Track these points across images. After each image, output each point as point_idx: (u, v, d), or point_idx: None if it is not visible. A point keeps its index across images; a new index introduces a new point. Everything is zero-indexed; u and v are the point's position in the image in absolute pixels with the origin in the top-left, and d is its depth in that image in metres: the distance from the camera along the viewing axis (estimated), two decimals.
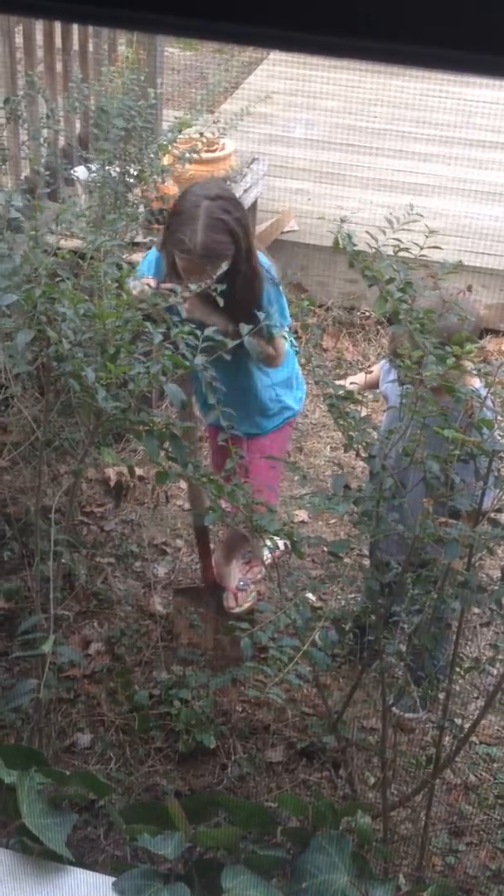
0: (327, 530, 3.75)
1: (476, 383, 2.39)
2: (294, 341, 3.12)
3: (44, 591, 2.42)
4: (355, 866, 1.90)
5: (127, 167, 3.64)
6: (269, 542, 2.29)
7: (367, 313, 4.94)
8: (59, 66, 4.48)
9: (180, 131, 3.65)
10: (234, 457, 2.23)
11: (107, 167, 3.55)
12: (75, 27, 4.52)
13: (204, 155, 4.15)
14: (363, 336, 4.92)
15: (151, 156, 3.63)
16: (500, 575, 2.26)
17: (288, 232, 5.22)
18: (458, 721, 2.53)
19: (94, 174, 3.63)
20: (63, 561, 2.50)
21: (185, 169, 3.90)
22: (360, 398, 2.20)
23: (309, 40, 0.39)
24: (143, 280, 2.67)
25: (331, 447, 4.21)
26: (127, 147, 3.66)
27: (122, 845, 2.52)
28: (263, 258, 2.81)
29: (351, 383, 2.66)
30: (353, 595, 3.01)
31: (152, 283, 2.67)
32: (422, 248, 2.08)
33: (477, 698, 3.00)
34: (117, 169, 3.61)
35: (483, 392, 2.11)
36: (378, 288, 2.07)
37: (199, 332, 2.20)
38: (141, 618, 3.31)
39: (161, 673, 3.02)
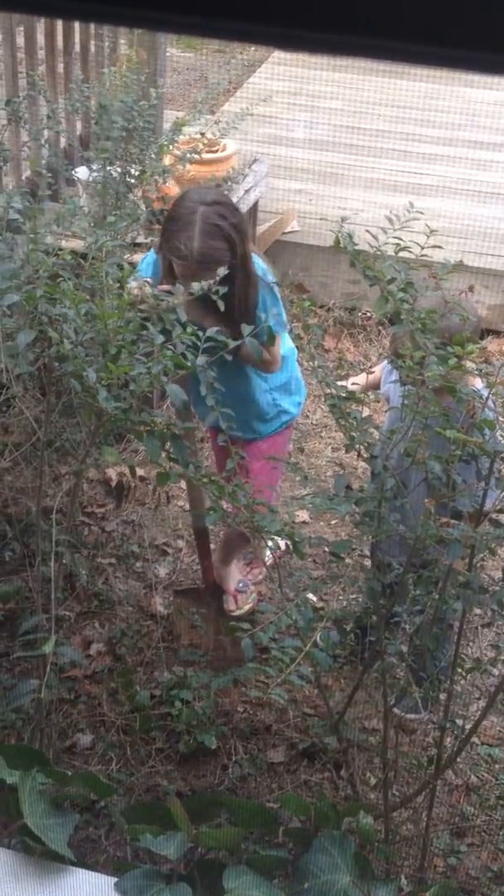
0: (329, 531, 3.75)
1: (478, 384, 2.39)
2: (293, 346, 3.11)
3: (45, 592, 2.42)
4: (357, 867, 1.90)
5: (128, 167, 3.64)
6: (270, 543, 2.29)
7: (369, 314, 4.94)
8: (60, 67, 4.49)
9: (181, 132, 3.65)
10: (235, 457, 2.23)
11: (108, 167, 3.55)
12: (77, 28, 4.52)
13: (205, 155, 4.15)
14: (364, 337, 4.92)
15: (152, 156, 3.63)
16: (501, 575, 2.26)
17: (289, 233, 5.22)
18: (460, 722, 2.53)
19: (95, 174, 3.63)
20: (64, 561, 2.50)
21: (187, 169, 3.90)
22: (362, 399, 2.20)
23: (309, 38, 0.39)
24: (141, 281, 2.66)
25: (332, 447, 4.21)
26: (128, 147, 3.66)
27: (123, 846, 2.52)
28: (260, 263, 2.80)
29: (352, 384, 2.66)
30: (354, 596, 3.01)
31: (150, 284, 2.66)
32: (423, 248, 2.08)
33: (478, 699, 3.00)
34: (118, 169, 3.61)
35: (485, 393, 2.11)
36: (380, 288, 2.07)
37: (200, 333, 2.20)
38: (142, 618, 3.31)
39: (162, 673, 3.02)
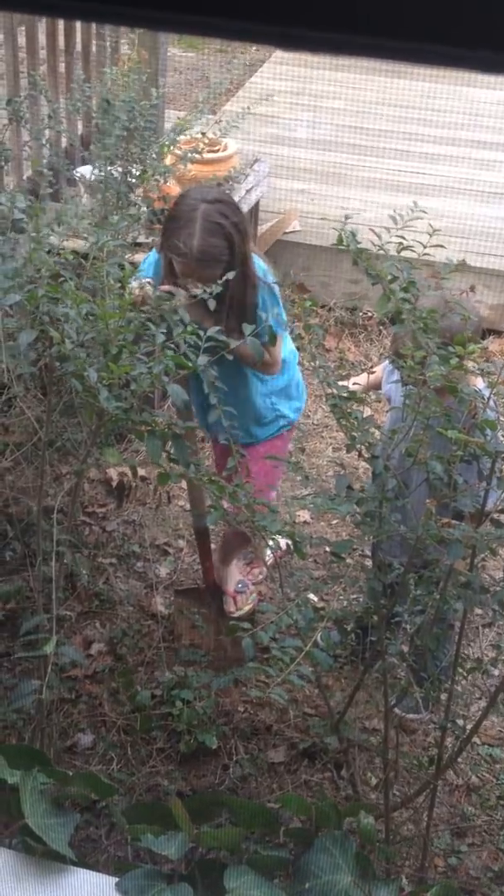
0: (329, 531, 3.75)
1: (479, 384, 2.39)
2: (295, 349, 3.10)
3: (46, 592, 2.42)
4: (359, 867, 1.90)
5: (129, 167, 3.64)
6: (271, 543, 2.29)
7: (370, 314, 4.94)
8: (61, 67, 4.49)
9: (183, 131, 3.65)
10: (236, 456, 2.23)
11: (109, 167, 3.55)
12: (78, 27, 4.52)
13: (206, 155, 4.15)
14: (365, 336, 4.92)
15: (154, 156, 3.63)
16: (502, 576, 2.26)
17: (291, 232, 5.22)
18: (461, 722, 2.53)
19: (96, 174, 3.63)
20: (65, 561, 2.50)
21: (188, 169, 3.90)
22: (363, 399, 2.20)
23: (309, 37, 0.39)
24: (142, 281, 2.66)
25: (333, 447, 4.21)
26: (129, 147, 3.66)
27: (124, 845, 2.52)
28: (260, 263, 2.80)
29: (353, 384, 2.66)
30: (355, 596, 3.01)
31: (151, 284, 2.66)
32: (425, 247, 2.07)
33: (479, 699, 3.00)
34: (119, 169, 3.61)
35: (486, 393, 2.11)
36: (382, 286, 2.07)
37: (200, 333, 2.20)
38: (143, 618, 3.31)
39: (163, 673, 3.02)
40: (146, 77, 3.88)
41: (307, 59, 6.43)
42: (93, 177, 3.73)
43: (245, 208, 4.42)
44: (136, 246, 3.61)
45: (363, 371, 3.34)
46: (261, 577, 3.45)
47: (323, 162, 5.89)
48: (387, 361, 3.01)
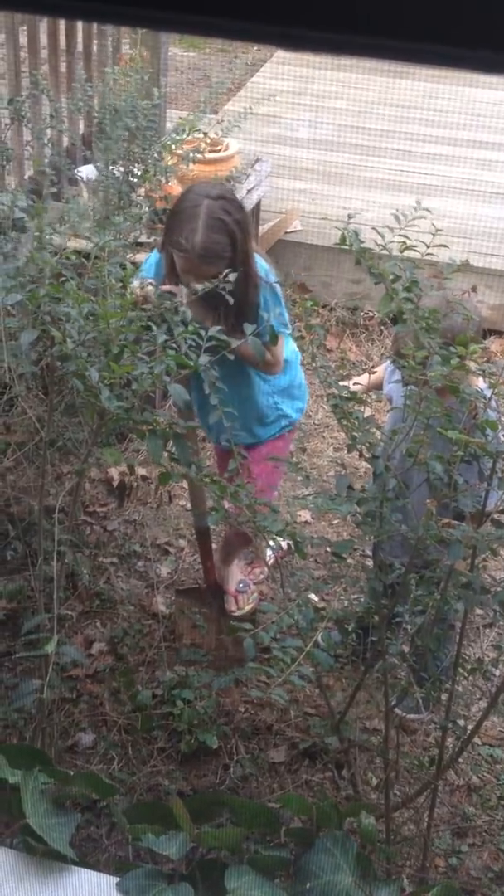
0: (330, 531, 3.75)
1: (480, 384, 2.39)
2: (297, 349, 3.10)
3: (47, 591, 2.42)
4: (359, 867, 1.90)
5: (131, 167, 3.64)
6: (272, 543, 2.29)
7: (371, 314, 4.94)
8: (63, 67, 4.49)
9: (184, 131, 3.65)
10: (237, 457, 2.23)
11: (111, 167, 3.55)
12: (80, 27, 4.53)
13: (208, 155, 4.16)
14: (366, 336, 4.92)
15: (155, 156, 3.63)
16: (503, 576, 2.26)
17: (292, 232, 5.22)
18: (461, 722, 2.53)
19: (98, 174, 3.64)
20: (66, 561, 2.50)
21: (189, 169, 3.90)
22: (364, 399, 2.20)
23: (309, 37, 0.39)
24: (143, 281, 2.66)
25: (334, 447, 4.21)
26: (131, 147, 3.66)
27: (124, 845, 2.52)
28: (262, 263, 2.79)
29: (354, 384, 2.66)
30: (356, 596, 3.00)
31: (152, 284, 2.66)
32: (428, 247, 2.07)
33: (480, 699, 3.00)
34: (121, 169, 3.61)
35: (487, 393, 2.11)
36: (385, 286, 2.07)
37: (202, 332, 2.20)
38: (144, 618, 3.31)
39: (164, 673, 3.02)
40: (148, 77, 3.88)
41: (309, 58, 6.44)
42: (94, 176, 3.73)
43: (246, 208, 4.42)
44: (138, 246, 3.61)
45: (364, 371, 3.34)
46: (262, 576, 3.45)
47: (324, 162, 5.89)
48: (388, 362, 3.01)
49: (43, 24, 4.43)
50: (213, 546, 3.25)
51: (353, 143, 6.24)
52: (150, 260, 2.92)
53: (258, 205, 4.97)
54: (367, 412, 2.20)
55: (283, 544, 2.61)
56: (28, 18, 4.24)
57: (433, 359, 2.03)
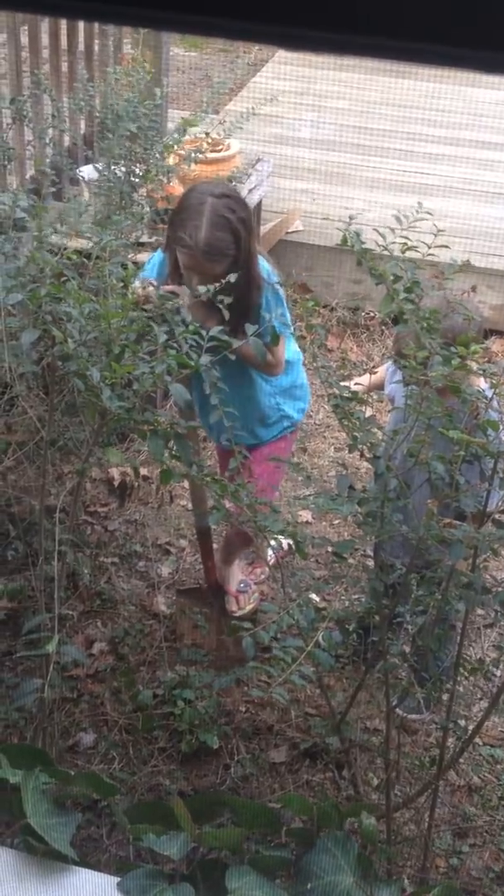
0: (331, 531, 3.75)
1: (482, 384, 2.39)
2: (299, 350, 3.09)
3: (48, 591, 2.42)
4: (360, 867, 1.90)
5: (132, 167, 3.64)
6: (273, 543, 2.29)
7: (372, 314, 4.94)
8: (64, 66, 4.49)
9: (185, 131, 3.65)
10: (238, 456, 2.23)
11: (112, 167, 3.55)
12: (81, 27, 4.53)
13: (209, 155, 4.15)
14: (367, 336, 4.92)
15: (157, 156, 3.63)
16: None
17: (293, 232, 5.22)
18: (462, 722, 2.53)
19: (99, 174, 3.64)
20: (67, 560, 2.50)
21: (191, 169, 3.90)
22: (365, 399, 2.20)
23: (310, 37, 0.39)
24: (145, 281, 2.66)
25: (335, 447, 4.21)
26: (133, 147, 3.66)
27: (125, 845, 2.52)
28: (265, 264, 2.79)
29: (356, 384, 2.66)
30: (356, 596, 3.01)
31: (154, 284, 2.66)
32: (429, 248, 2.07)
33: (481, 699, 3.00)
34: (123, 168, 3.61)
35: (489, 393, 2.11)
36: (385, 286, 2.07)
37: (203, 332, 2.19)
38: (144, 617, 3.31)
39: (165, 673, 3.02)
40: (149, 76, 3.88)
41: (310, 58, 6.44)
42: (96, 176, 3.73)
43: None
44: (139, 246, 3.61)
45: (365, 371, 3.34)
46: (263, 576, 3.45)
47: (326, 162, 5.89)
48: (389, 362, 3.01)
49: (45, 24, 4.43)
50: (215, 546, 3.25)
51: (355, 143, 6.24)
52: (153, 260, 2.92)
53: (259, 205, 4.97)
54: (369, 412, 2.20)
55: (284, 544, 2.61)
56: (30, 18, 4.24)
57: (434, 359, 2.03)
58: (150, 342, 2.18)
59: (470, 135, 6.31)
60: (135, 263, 2.61)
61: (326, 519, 3.77)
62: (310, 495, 2.42)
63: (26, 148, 4.15)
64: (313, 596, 2.73)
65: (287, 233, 5.18)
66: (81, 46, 4.55)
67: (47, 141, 3.95)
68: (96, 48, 4.66)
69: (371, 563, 2.71)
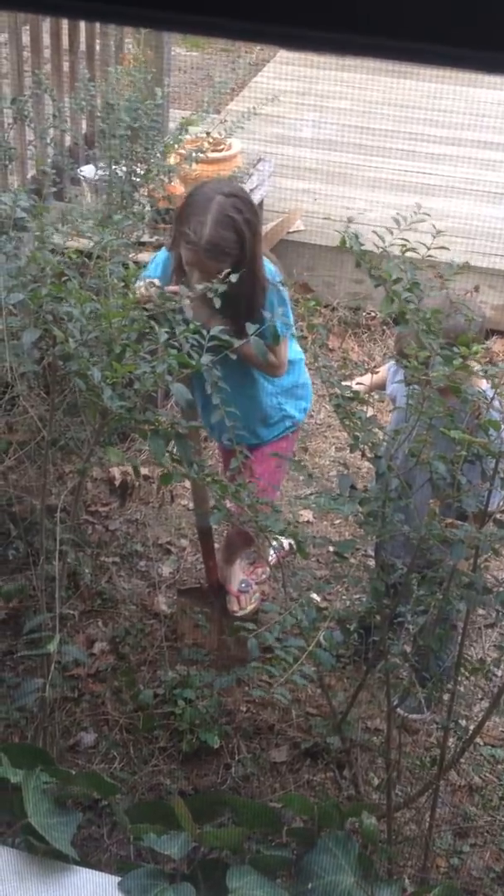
0: (332, 531, 3.75)
1: (483, 384, 2.39)
2: (301, 350, 3.09)
3: (49, 590, 2.42)
4: (361, 867, 1.90)
5: (133, 167, 3.64)
6: (274, 543, 2.29)
7: (373, 314, 4.94)
8: (65, 66, 4.49)
9: (187, 131, 3.65)
10: (239, 456, 2.23)
11: (113, 166, 3.55)
12: (83, 27, 4.53)
13: (210, 155, 4.15)
14: (369, 336, 4.92)
15: (158, 155, 3.64)
16: None
17: (294, 232, 5.22)
18: (463, 722, 2.53)
19: (100, 173, 3.64)
20: (68, 560, 2.50)
21: (192, 168, 3.90)
22: (366, 399, 2.20)
23: (310, 37, 0.39)
24: (147, 281, 2.66)
25: (336, 447, 4.21)
26: (134, 146, 3.66)
27: (126, 845, 2.52)
28: (269, 265, 2.79)
29: (357, 384, 2.66)
30: (358, 596, 3.01)
31: (156, 284, 2.66)
32: (429, 249, 2.07)
33: (482, 699, 2.99)
34: (124, 168, 3.61)
35: (490, 393, 2.11)
36: (384, 288, 2.07)
37: (204, 332, 2.19)
38: (145, 617, 3.31)
39: (165, 672, 3.02)
40: (151, 76, 3.88)
41: (312, 58, 6.43)
42: (97, 176, 3.74)
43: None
44: (140, 245, 3.61)
45: (366, 371, 3.34)
46: (264, 576, 3.45)
47: (327, 162, 5.88)
48: (391, 362, 3.01)
49: (46, 24, 4.43)
50: (216, 546, 3.25)
51: (357, 143, 6.23)
52: (157, 258, 2.92)
53: (260, 204, 4.97)
54: (370, 412, 2.20)
55: (285, 544, 2.61)
56: (31, 18, 4.24)
57: (435, 359, 2.03)
58: (151, 342, 2.18)
59: (471, 135, 6.31)
60: (135, 263, 2.61)
61: (328, 518, 3.77)
62: (311, 495, 2.41)
63: (27, 148, 4.15)
64: (314, 595, 2.72)
65: (288, 232, 5.18)
66: (83, 46, 4.55)
67: (48, 140, 3.95)
68: (98, 48, 4.66)
69: (372, 562, 2.71)
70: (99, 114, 3.84)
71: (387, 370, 3.05)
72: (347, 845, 1.93)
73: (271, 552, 2.60)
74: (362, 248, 2.10)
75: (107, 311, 2.17)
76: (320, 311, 4.72)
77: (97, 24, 4.58)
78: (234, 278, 2.33)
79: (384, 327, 4.88)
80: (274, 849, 1.98)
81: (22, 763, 1.96)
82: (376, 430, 2.15)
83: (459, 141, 6.32)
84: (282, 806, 2.23)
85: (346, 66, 6.87)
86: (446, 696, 2.41)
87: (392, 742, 2.36)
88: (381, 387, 3.05)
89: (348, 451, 2.36)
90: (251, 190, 4.66)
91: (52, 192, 3.47)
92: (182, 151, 3.74)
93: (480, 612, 3.16)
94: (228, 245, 2.61)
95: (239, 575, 3.33)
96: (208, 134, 3.90)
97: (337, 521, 3.77)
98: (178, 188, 4.04)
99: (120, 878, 1.86)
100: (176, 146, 3.67)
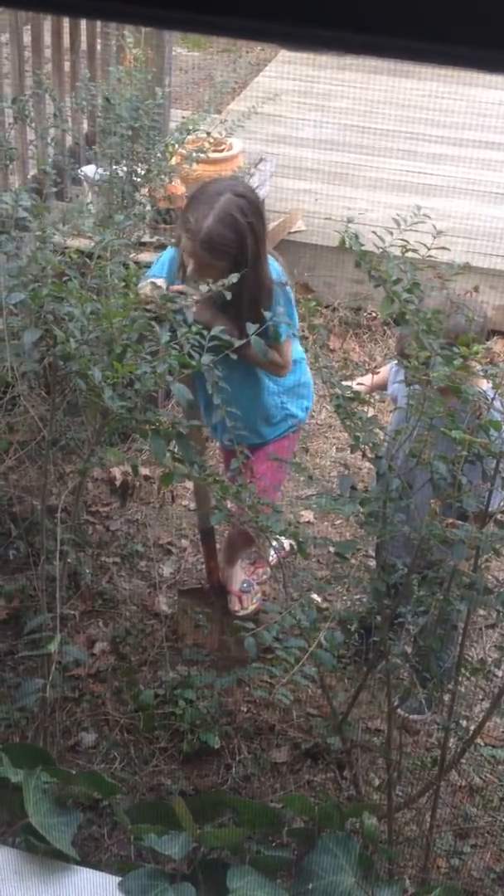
0: (333, 531, 3.74)
1: (484, 385, 2.38)
2: (303, 350, 3.09)
3: (50, 591, 2.42)
4: (362, 868, 1.90)
5: (134, 167, 3.64)
6: (274, 543, 2.29)
7: (374, 314, 4.93)
8: (67, 66, 4.49)
9: (188, 131, 3.65)
10: (240, 457, 2.23)
11: (114, 166, 3.55)
12: (83, 26, 4.53)
13: (211, 155, 4.15)
14: (369, 337, 4.92)
15: (158, 155, 3.63)
16: None
17: (295, 232, 5.22)
18: (464, 723, 2.52)
19: (101, 173, 3.64)
20: (69, 560, 2.50)
21: (193, 169, 3.90)
22: (367, 399, 2.20)
23: (310, 35, 0.39)
24: (151, 280, 2.66)
25: (337, 448, 4.21)
26: (134, 146, 3.66)
27: (126, 845, 2.52)
28: (275, 265, 2.79)
29: (358, 384, 2.66)
30: (358, 596, 3.01)
31: (161, 283, 2.66)
32: (429, 249, 2.07)
33: (482, 700, 2.99)
34: (124, 168, 3.61)
35: (491, 394, 2.11)
36: (385, 288, 2.07)
37: (205, 333, 2.19)
38: (146, 617, 3.31)
39: (166, 673, 3.02)
40: (151, 76, 3.88)
41: (312, 58, 6.43)
42: (97, 176, 3.74)
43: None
44: (141, 245, 3.61)
45: (367, 371, 3.34)
46: (265, 577, 3.45)
47: (328, 162, 5.88)
48: (393, 362, 3.01)
49: (47, 24, 4.43)
50: (218, 546, 3.25)
51: (357, 143, 6.23)
52: (163, 256, 2.91)
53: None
54: (371, 413, 2.20)
55: (286, 544, 2.61)
56: (32, 17, 4.24)
57: (436, 359, 2.03)
58: (152, 342, 2.18)
59: (472, 135, 6.31)
60: (136, 263, 2.61)
61: (328, 519, 3.77)
62: (312, 495, 2.41)
63: (28, 147, 4.15)
64: (315, 596, 2.72)
65: (289, 233, 5.18)
66: (84, 46, 4.55)
67: (49, 140, 3.95)
68: (99, 48, 4.66)
69: (373, 563, 2.71)
70: (100, 114, 3.84)
71: (388, 370, 3.05)
72: (348, 846, 1.93)
73: (272, 552, 2.60)
74: (363, 248, 2.10)
75: (107, 311, 2.17)
76: (321, 311, 4.72)
77: (98, 24, 4.58)
78: (234, 278, 2.33)
79: (385, 328, 4.88)
80: (274, 849, 1.99)
81: (22, 763, 1.96)
82: (377, 430, 2.15)
83: (460, 141, 6.31)
84: (282, 806, 2.23)
85: (347, 66, 6.88)
86: (447, 697, 2.40)
87: (393, 742, 2.35)
88: (381, 387, 3.05)
89: (349, 452, 2.36)
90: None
91: (52, 191, 3.47)
92: (183, 151, 3.74)
93: (481, 612, 3.15)
94: (225, 243, 2.60)
95: (240, 575, 3.33)
96: (209, 134, 3.89)
97: (338, 522, 3.77)
98: (179, 188, 4.04)
99: (120, 878, 1.86)
100: (177, 146, 3.67)
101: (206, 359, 2.16)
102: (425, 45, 0.39)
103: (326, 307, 4.91)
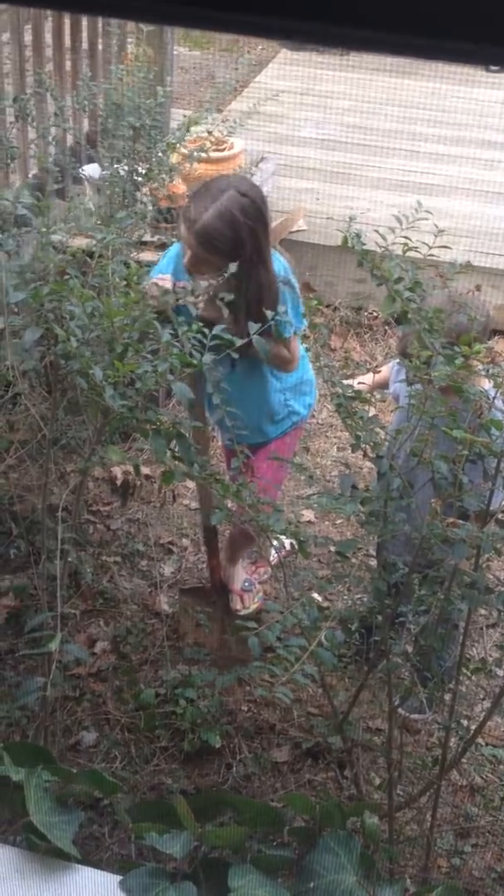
0: (334, 530, 3.74)
1: (485, 384, 2.38)
2: (304, 346, 3.10)
3: (50, 590, 2.42)
4: (363, 867, 1.90)
5: (135, 166, 3.64)
6: (275, 542, 2.29)
7: (375, 313, 4.93)
8: (68, 65, 4.49)
9: (189, 130, 3.65)
10: (241, 456, 2.23)
11: (115, 165, 3.55)
12: (84, 25, 4.53)
13: (212, 154, 4.15)
14: (370, 336, 4.92)
15: (160, 154, 3.63)
16: None
17: (296, 231, 5.22)
18: (465, 722, 2.52)
19: (102, 172, 3.64)
20: (69, 559, 2.50)
21: (194, 168, 3.90)
22: (368, 398, 2.19)
23: (309, 31, 0.38)
24: (157, 278, 2.66)
25: (337, 447, 4.21)
26: (135, 146, 3.66)
27: (127, 843, 2.52)
28: (282, 261, 2.78)
29: (359, 383, 2.66)
30: (359, 595, 3.00)
31: (167, 280, 2.66)
32: (430, 248, 2.07)
33: (483, 699, 2.99)
34: (125, 167, 3.61)
35: (492, 393, 2.10)
36: (386, 288, 2.06)
37: (207, 332, 2.19)
38: (147, 616, 3.31)
39: (167, 672, 3.02)
40: (153, 75, 3.88)
41: (313, 58, 6.44)
42: (99, 175, 3.74)
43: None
44: (142, 244, 3.61)
45: (368, 371, 3.34)
46: (266, 576, 3.45)
47: (329, 161, 5.88)
48: (395, 361, 3.01)
49: (48, 23, 4.43)
50: (219, 545, 3.25)
51: (358, 142, 6.23)
52: (170, 252, 2.91)
53: None
54: (372, 412, 2.20)
55: (287, 543, 2.60)
56: (33, 16, 4.24)
57: (437, 358, 2.03)
58: (153, 341, 2.18)
59: (473, 134, 6.31)
60: (137, 262, 2.61)
61: (329, 518, 3.77)
62: (313, 494, 2.42)
63: (29, 146, 4.15)
64: (316, 595, 2.72)
65: (290, 232, 5.18)
66: (85, 45, 4.55)
67: (50, 139, 3.95)
68: (100, 47, 4.66)
69: (374, 562, 2.71)
70: (101, 113, 3.84)
71: (389, 369, 3.05)
72: (349, 845, 1.93)
73: (272, 552, 2.60)
74: (364, 247, 2.09)
75: (108, 310, 2.17)
76: (322, 310, 4.71)
77: (100, 23, 4.58)
78: (233, 267, 2.34)
79: (386, 327, 4.88)
80: (275, 848, 1.98)
81: (23, 762, 1.96)
82: (378, 429, 2.14)
83: (461, 140, 6.31)
84: (283, 805, 2.23)
85: (348, 66, 6.87)
86: (448, 696, 2.40)
87: (393, 742, 2.35)
88: (382, 386, 3.05)
89: (350, 451, 2.36)
90: None
91: (54, 190, 3.47)
92: (184, 150, 3.74)
93: (482, 611, 3.15)
94: (220, 239, 2.59)
95: (242, 574, 3.33)
96: (210, 133, 3.89)
97: (338, 521, 3.77)
98: (180, 187, 4.04)
99: (121, 877, 1.86)
100: (178, 145, 3.67)
101: (208, 358, 2.16)
102: (426, 41, 0.39)
103: (327, 306, 4.91)
